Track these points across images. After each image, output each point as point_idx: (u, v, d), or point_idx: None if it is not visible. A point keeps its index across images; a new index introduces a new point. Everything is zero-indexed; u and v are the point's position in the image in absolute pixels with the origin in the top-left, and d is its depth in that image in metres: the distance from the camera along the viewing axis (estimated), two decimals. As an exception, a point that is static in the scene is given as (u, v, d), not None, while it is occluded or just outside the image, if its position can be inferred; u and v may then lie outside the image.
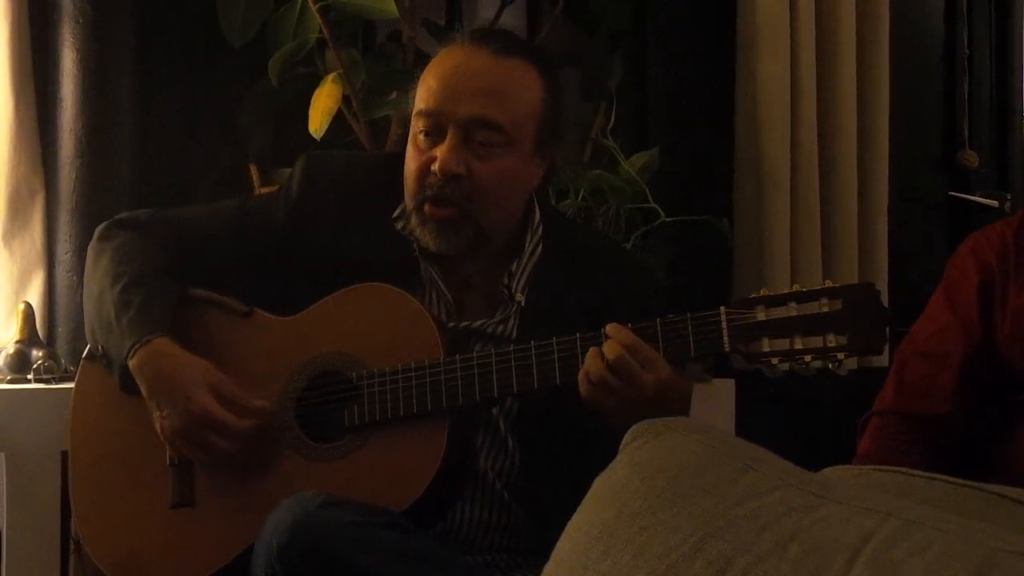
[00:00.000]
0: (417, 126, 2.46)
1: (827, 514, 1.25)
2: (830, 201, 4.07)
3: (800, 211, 3.99)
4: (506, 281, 2.49)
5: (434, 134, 2.43)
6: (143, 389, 2.40)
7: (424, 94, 2.45)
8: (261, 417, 2.40)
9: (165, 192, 3.45)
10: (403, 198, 2.50)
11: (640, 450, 1.48)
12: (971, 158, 4.56)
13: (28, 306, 3.23)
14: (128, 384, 2.42)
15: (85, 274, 2.61)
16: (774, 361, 2.22)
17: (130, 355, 2.39)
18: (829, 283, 2.23)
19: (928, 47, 4.61)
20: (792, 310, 2.20)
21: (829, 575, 1.17)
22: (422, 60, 2.61)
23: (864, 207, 4.13)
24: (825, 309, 2.18)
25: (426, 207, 2.44)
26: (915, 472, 1.50)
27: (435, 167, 2.41)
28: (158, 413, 2.39)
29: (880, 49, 4.17)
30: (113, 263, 2.51)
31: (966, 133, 4.59)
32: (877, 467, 1.56)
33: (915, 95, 4.50)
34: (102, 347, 2.49)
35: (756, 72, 3.97)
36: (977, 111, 4.63)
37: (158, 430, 2.40)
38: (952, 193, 4.53)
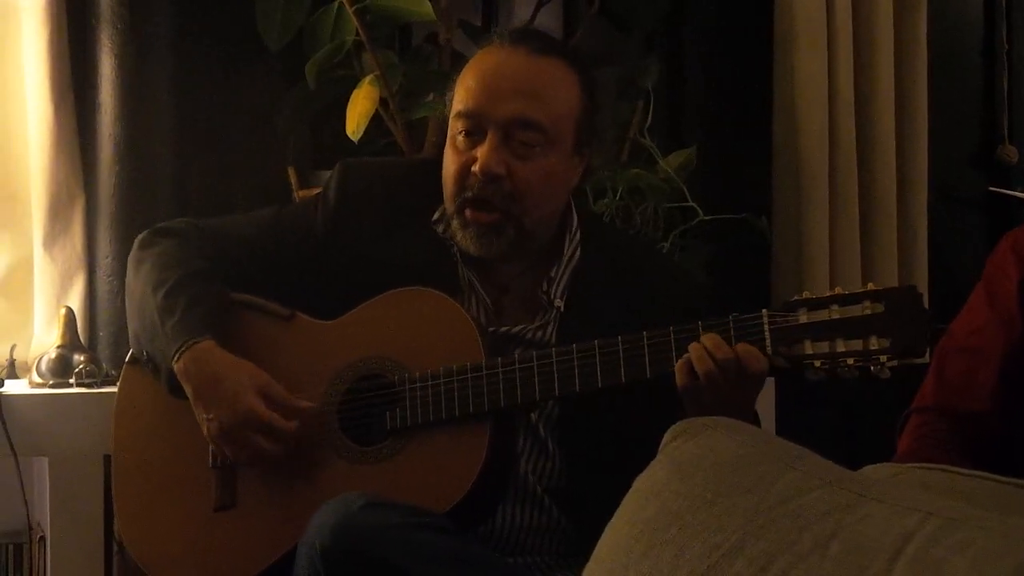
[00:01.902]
0: (456, 127, 2.46)
1: (868, 513, 1.25)
2: (869, 198, 4.05)
3: (839, 208, 3.97)
4: (545, 287, 2.49)
5: (474, 135, 2.43)
6: (189, 392, 2.41)
7: (463, 95, 2.45)
8: (307, 418, 2.41)
9: (204, 195, 3.46)
10: (441, 202, 2.51)
11: (680, 450, 1.48)
12: (1011, 153, 4.52)
13: (69, 311, 3.25)
14: (175, 388, 2.43)
15: (127, 283, 2.62)
16: (817, 364, 2.22)
17: (176, 358, 2.40)
18: (871, 286, 2.22)
19: (967, 41, 4.58)
20: (835, 313, 2.20)
21: (870, 574, 1.17)
22: (459, 61, 2.61)
23: (903, 203, 4.11)
24: (867, 312, 2.18)
25: (467, 211, 2.44)
26: (956, 469, 1.49)
27: (476, 168, 2.41)
28: (204, 416, 2.40)
29: (918, 44, 4.15)
30: (155, 270, 2.52)
31: (1006, 128, 4.55)
32: (918, 465, 1.56)
33: (954, 90, 4.47)
34: (147, 353, 2.50)
35: (793, 69, 3.95)
36: (1017, 105, 4.59)
37: (204, 432, 2.41)
38: (992, 188, 4.50)
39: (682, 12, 4.02)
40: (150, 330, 2.48)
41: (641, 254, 2.68)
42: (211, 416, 2.39)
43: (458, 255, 2.50)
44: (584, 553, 1.51)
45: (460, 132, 2.45)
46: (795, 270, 3.94)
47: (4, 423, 2.99)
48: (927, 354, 2.36)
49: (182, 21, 3.45)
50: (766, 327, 2.23)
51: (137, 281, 2.55)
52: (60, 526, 3.04)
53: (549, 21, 3.80)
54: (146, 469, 2.57)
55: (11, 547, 3.16)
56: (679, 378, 2.24)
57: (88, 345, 3.32)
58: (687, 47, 4.05)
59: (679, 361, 2.24)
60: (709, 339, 2.23)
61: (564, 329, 2.46)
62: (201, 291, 2.48)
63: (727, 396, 2.21)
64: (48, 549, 3.05)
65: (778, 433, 2.92)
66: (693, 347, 2.23)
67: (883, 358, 2.19)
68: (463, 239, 2.46)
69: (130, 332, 2.58)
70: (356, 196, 2.57)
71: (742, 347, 2.22)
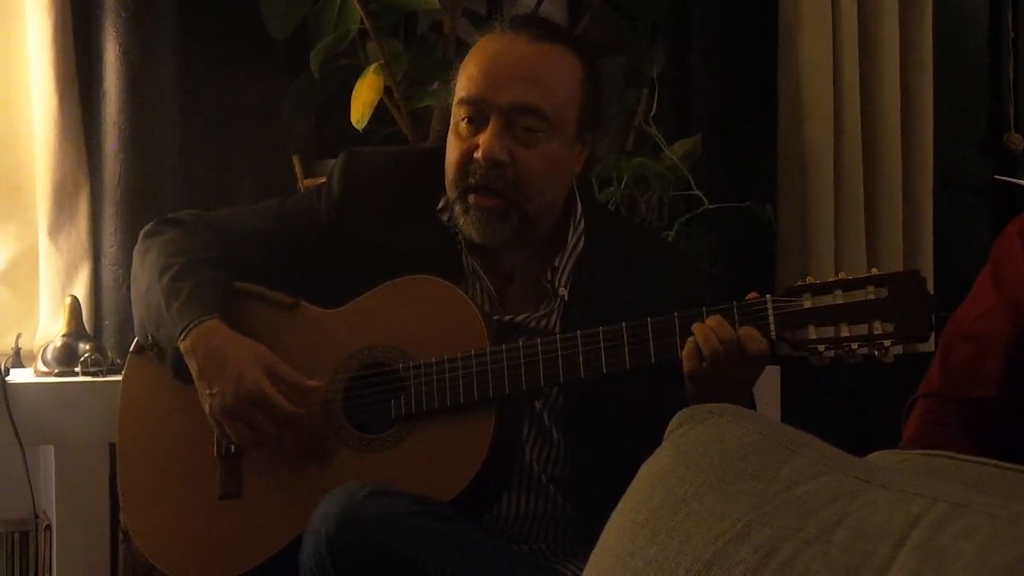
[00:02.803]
0: (459, 114, 2.46)
1: (873, 499, 1.25)
2: (874, 186, 4.06)
3: (844, 196, 3.98)
4: (549, 276, 2.49)
5: (476, 122, 2.43)
6: (193, 369, 2.40)
7: (465, 82, 2.45)
8: (314, 399, 2.40)
9: (208, 184, 3.46)
10: (445, 190, 2.50)
11: (685, 436, 1.48)
12: (1017, 141, 4.53)
13: (75, 299, 3.25)
14: (181, 370, 2.42)
15: (132, 272, 2.62)
16: (820, 349, 2.22)
17: (182, 337, 2.39)
18: (875, 271, 2.23)
19: (972, 29, 4.58)
20: (838, 298, 2.21)
21: (876, 560, 1.17)
22: (463, 50, 2.61)
23: (908, 191, 4.12)
24: (871, 296, 2.19)
25: (470, 197, 2.44)
26: (961, 456, 1.49)
27: (478, 154, 2.41)
28: (208, 392, 2.38)
29: (924, 32, 4.15)
30: (161, 256, 2.52)
31: (1012, 116, 4.56)
32: (923, 451, 1.55)
33: (959, 78, 4.47)
34: (152, 337, 2.49)
35: (799, 57, 3.95)
36: (1023, 94, 4.59)
37: (206, 410, 2.40)
38: (998, 177, 4.50)
39: (687, 0, 4.01)
40: (156, 314, 2.47)
41: (646, 242, 2.67)
42: (214, 392, 2.38)
43: (462, 243, 2.50)
44: (589, 540, 1.51)
45: (462, 119, 2.45)
46: (800, 259, 3.94)
47: (10, 412, 2.99)
48: (931, 339, 2.37)
49: (186, 9, 3.45)
50: (770, 312, 2.23)
51: (143, 269, 2.55)
52: (66, 514, 3.04)
53: (553, 9, 3.79)
54: (151, 460, 2.57)
55: (17, 535, 3.16)
56: (685, 363, 2.24)
57: (93, 334, 3.33)
58: (692, 35, 4.04)
59: (686, 344, 2.24)
60: (713, 320, 2.24)
61: (568, 318, 2.46)
62: (208, 276, 2.47)
63: (731, 378, 2.22)
64: (54, 537, 3.05)
65: (784, 420, 2.92)
66: (697, 327, 2.23)
67: (887, 342, 2.20)
68: (465, 225, 2.46)
69: (135, 321, 2.58)
70: (360, 185, 2.57)
71: (743, 329, 2.23)
